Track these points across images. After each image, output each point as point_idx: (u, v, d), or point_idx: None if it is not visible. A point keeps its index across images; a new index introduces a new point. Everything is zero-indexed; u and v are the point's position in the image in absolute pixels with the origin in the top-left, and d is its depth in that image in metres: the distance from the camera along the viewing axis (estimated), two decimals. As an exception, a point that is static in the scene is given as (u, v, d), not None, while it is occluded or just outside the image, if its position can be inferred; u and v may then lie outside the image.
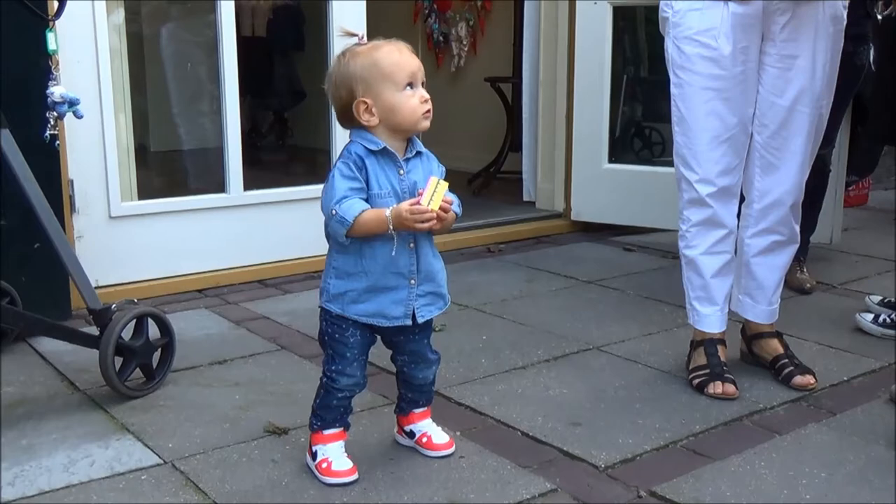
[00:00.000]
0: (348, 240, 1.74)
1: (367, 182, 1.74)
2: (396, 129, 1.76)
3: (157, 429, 2.10)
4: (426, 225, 1.69)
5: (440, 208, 1.70)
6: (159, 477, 1.88)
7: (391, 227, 1.70)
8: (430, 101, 1.76)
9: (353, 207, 1.70)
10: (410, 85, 1.74)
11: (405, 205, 1.69)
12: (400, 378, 1.98)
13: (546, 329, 2.84)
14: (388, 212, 1.70)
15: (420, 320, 1.83)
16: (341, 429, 1.88)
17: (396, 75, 1.73)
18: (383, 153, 1.75)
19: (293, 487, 1.83)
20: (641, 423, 2.13)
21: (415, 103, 1.74)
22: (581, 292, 3.30)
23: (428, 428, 2.00)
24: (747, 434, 2.09)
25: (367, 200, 1.73)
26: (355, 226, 1.70)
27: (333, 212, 1.71)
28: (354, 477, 1.84)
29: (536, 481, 1.85)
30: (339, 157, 1.77)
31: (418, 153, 1.81)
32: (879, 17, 3.17)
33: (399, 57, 1.74)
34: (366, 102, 1.74)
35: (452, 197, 1.80)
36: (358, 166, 1.73)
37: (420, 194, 1.70)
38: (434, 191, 1.70)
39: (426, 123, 1.77)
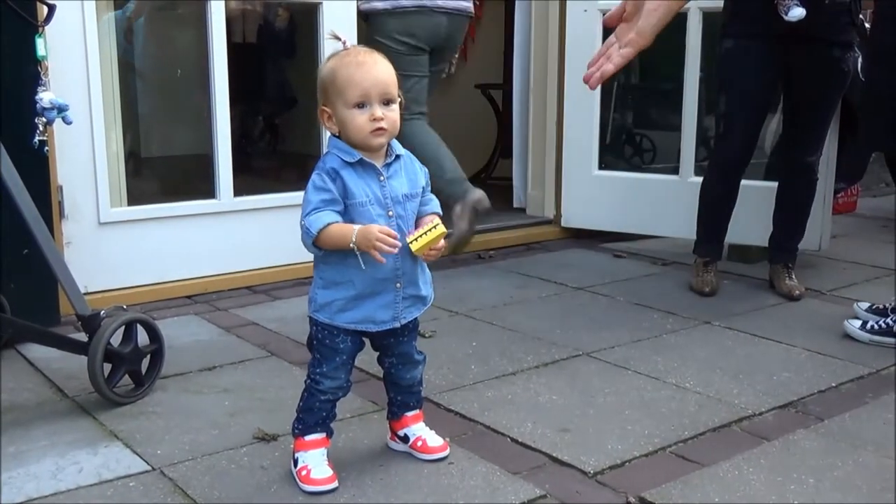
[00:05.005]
0: (319, 250, 1.75)
1: (347, 192, 1.74)
2: (351, 143, 1.76)
3: (145, 435, 2.10)
4: (379, 256, 1.68)
5: (425, 253, 1.75)
6: (148, 484, 1.87)
7: (353, 244, 1.69)
8: (383, 121, 1.73)
9: (320, 220, 1.70)
10: (361, 104, 1.72)
11: (376, 226, 1.69)
12: (388, 381, 1.98)
13: (536, 335, 2.84)
14: (355, 227, 1.69)
15: (402, 322, 1.85)
16: (323, 435, 1.88)
17: (347, 92, 1.72)
18: (360, 163, 1.76)
19: (282, 494, 1.82)
20: (630, 430, 2.14)
21: (360, 122, 1.72)
22: (571, 299, 3.31)
23: (422, 431, 2.00)
24: (736, 440, 2.10)
25: (347, 210, 1.74)
26: (321, 238, 1.71)
27: (302, 223, 1.73)
28: (334, 485, 1.82)
29: (526, 487, 1.86)
30: (315, 167, 1.77)
31: (398, 157, 1.81)
32: (867, 24, 3.20)
33: (354, 72, 1.72)
34: (326, 111, 1.76)
35: (432, 198, 1.87)
36: (332, 177, 1.73)
37: (415, 229, 1.75)
38: (425, 233, 1.72)
39: (377, 141, 1.75)
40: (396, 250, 1.70)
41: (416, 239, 1.74)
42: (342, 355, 1.83)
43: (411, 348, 1.93)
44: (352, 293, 1.79)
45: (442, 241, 1.76)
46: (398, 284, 1.81)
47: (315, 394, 1.84)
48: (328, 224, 1.70)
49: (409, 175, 1.82)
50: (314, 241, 1.72)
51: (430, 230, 1.73)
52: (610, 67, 1.44)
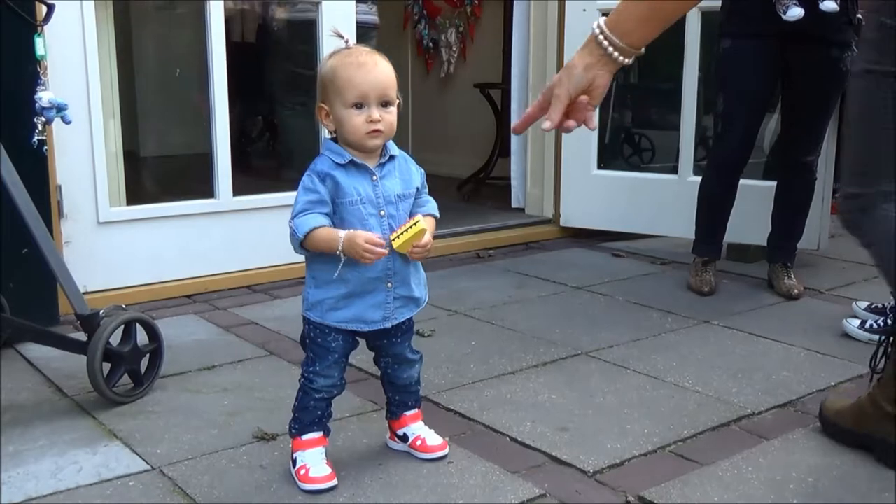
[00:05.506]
0: (306, 252, 1.76)
1: (339, 190, 1.74)
2: (346, 142, 1.77)
3: (144, 435, 2.10)
4: (369, 261, 1.70)
5: (409, 251, 1.75)
6: (147, 483, 1.87)
7: (340, 250, 1.70)
8: (380, 122, 1.74)
9: (307, 223, 1.72)
10: (359, 105, 1.73)
11: (362, 234, 1.69)
12: (385, 380, 1.99)
13: (535, 335, 2.84)
14: (342, 234, 1.70)
15: (394, 322, 1.84)
16: (320, 434, 1.88)
17: (345, 92, 1.73)
18: (352, 164, 1.76)
19: (281, 493, 1.83)
20: (629, 429, 2.14)
21: (357, 122, 1.73)
22: (570, 298, 3.31)
23: (421, 431, 2.00)
24: (735, 439, 2.10)
25: (338, 208, 1.75)
26: (308, 241, 1.72)
27: (290, 224, 1.74)
28: (332, 483, 1.83)
29: (525, 487, 1.86)
30: (307, 169, 1.78)
31: (392, 157, 1.81)
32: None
33: (355, 73, 1.72)
34: (324, 108, 1.77)
35: (429, 199, 1.87)
36: (321, 178, 1.74)
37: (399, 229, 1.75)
38: (406, 230, 1.73)
39: (373, 143, 1.76)
40: (387, 252, 1.71)
41: (397, 236, 1.74)
42: (334, 354, 1.83)
43: (405, 349, 1.93)
44: (343, 292, 1.79)
45: (426, 238, 1.76)
46: (389, 284, 1.81)
47: (309, 392, 1.85)
48: (315, 228, 1.71)
49: (403, 175, 1.82)
50: (301, 244, 1.73)
51: (409, 227, 1.74)
52: (595, 124, 1.47)
